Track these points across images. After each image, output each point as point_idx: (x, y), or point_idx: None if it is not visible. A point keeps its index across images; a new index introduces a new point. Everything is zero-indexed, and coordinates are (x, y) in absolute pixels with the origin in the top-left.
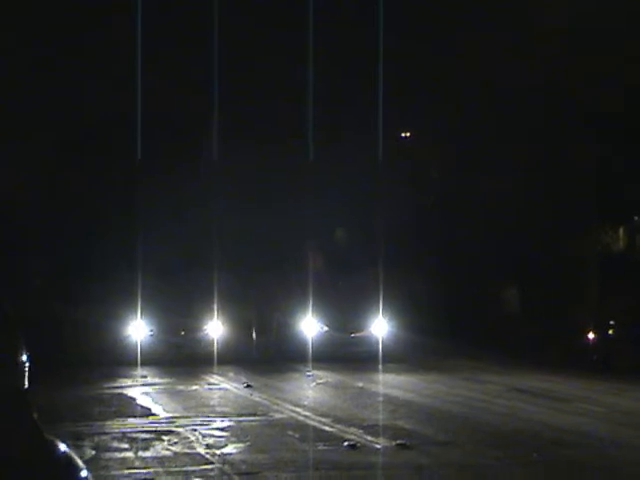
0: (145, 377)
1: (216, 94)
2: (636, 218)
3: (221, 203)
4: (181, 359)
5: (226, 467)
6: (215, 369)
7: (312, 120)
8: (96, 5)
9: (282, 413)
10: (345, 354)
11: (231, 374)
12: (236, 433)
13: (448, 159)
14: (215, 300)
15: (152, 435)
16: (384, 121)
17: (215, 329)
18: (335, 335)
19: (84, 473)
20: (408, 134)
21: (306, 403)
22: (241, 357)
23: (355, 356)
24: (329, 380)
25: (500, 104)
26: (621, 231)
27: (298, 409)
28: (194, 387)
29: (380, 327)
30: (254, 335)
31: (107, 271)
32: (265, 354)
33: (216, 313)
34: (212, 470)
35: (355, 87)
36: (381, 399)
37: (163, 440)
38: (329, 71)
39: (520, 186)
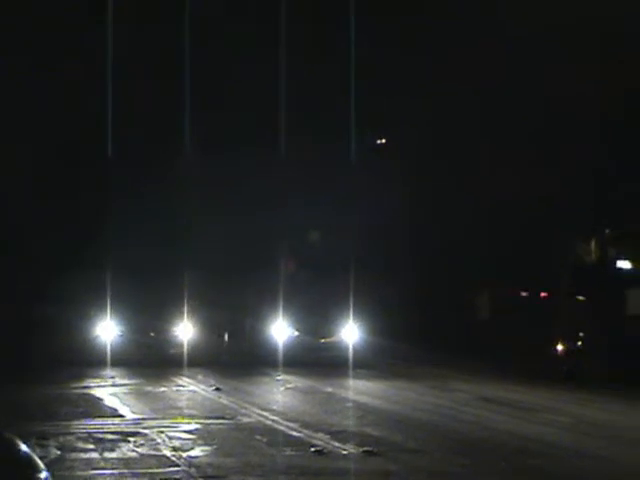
0: (113, 378)
1: (189, 93)
2: (607, 231)
3: (193, 204)
4: (150, 360)
5: (192, 470)
6: (184, 371)
7: (286, 119)
8: (69, 5)
9: (250, 417)
10: (315, 359)
11: (200, 376)
12: (203, 436)
13: (422, 165)
14: (185, 302)
15: (118, 436)
16: (359, 123)
17: (185, 331)
18: (306, 340)
19: (43, 475)
20: (383, 140)
21: (275, 407)
22: (211, 360)
23: (325, 361)
24: (298, 385)
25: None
26: (593, 243)
27: (266, 413)
28: (162, 389)
29: (351, 332)
30: (226, 338)
31: (78, 271)
32: (236, 357)
33: (186, 315)
34: (178, 472)
35: (331, 88)
36: (350, 405)
37: (129, 441)
38: (305, 70)
39: (493, 193)
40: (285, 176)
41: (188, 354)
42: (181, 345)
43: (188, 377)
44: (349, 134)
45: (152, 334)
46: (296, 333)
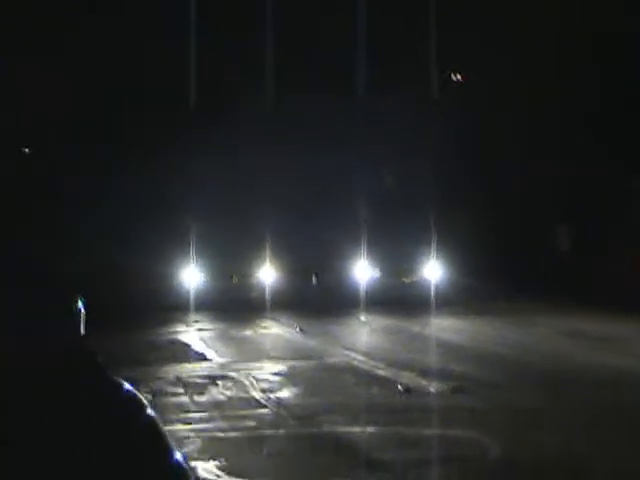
0: (198, 322)
1: (265, 39)
2: None
3: (270, 147)
4: (234, 305)
5: (281, 411)
6: (268, 314)
7: (360, 58)
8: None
9: (336, 357)
10: (398, 299)
11: (283, 319)
12: (290, 378)
13: (500, 100)
14: (267, 245)
15: (207, 380)
16: (436, 59)
17: (267, 274)
18: (388, 280)
19: (149, 411)
20: (459, 77)
21: (360, 347)
22: (293, 302)
23: (408, 301)
24: (382, 325)
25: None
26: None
27: (352, 353)
28: (247, 332)
29: (432, 271)
30: (314, 280)
31: (159, 217)
32: (323, 300)
33: (268, 258)
34: (267, 414)
35: (407, 24)
36: (433, 343)
37: (218, 385)
38: (379, 8)
39: (572, 127)
40: (362, 116)
41: (271, 297)
42: (264, 289)
43: (272, 320)
44: (427, 71)
45: (234, 279)
46: (378, 274)
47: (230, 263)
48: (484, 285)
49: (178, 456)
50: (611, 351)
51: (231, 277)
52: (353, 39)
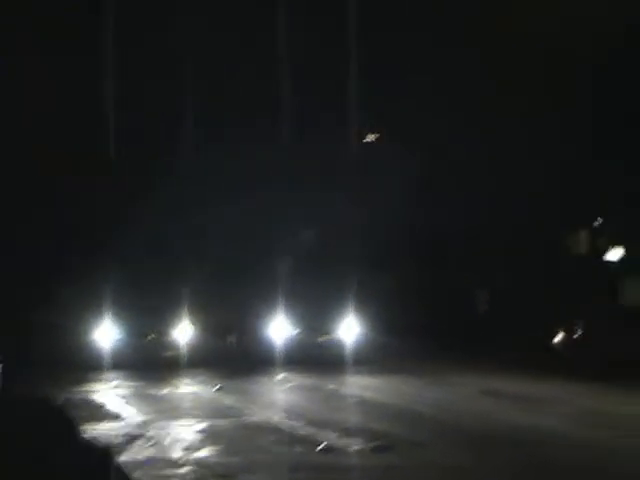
0: (115, 380)
1: (189, 86)
2: (596, 223)
3: (189, 201)
4: (150, 363)
5: (202, 470)
6: (185, 372)
7: (287, 111)
8: (66, 5)
9: (255, 416)
10: (316, 357)
11: (201, 377)
12: (210, 436)
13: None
14: (185, 303)
15: (125, 439)
16: (357, 116)
17: (184, 333)
18: (306, 338)
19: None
20: (377, 135)
21: (279, 405)
22: (210, 361)
23: (325, 359)
24: (300, 383)
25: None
26: (582, 235)
27: (271, 412)
28: (165, 391)
29: (351, 329)
30: (232, 339)
31: (75, 273)
32: (240, 358)
33: (185, 316)
34: (188, 473)
35: (330, 78)
36: (353, 401)
37: (136, 444)
38: (302, 59)
39: (488, 188)
40: (284, 168)
41: (188, 355)
42: (180, 347)
43: (189, 378)
44: (346, 129)
45: (151, 336)
46: (296, 331)
47: (147, 320)
48: (403, 343)
49: None
50: (530, 410)
51: (147, 335)
52: (275, 88)
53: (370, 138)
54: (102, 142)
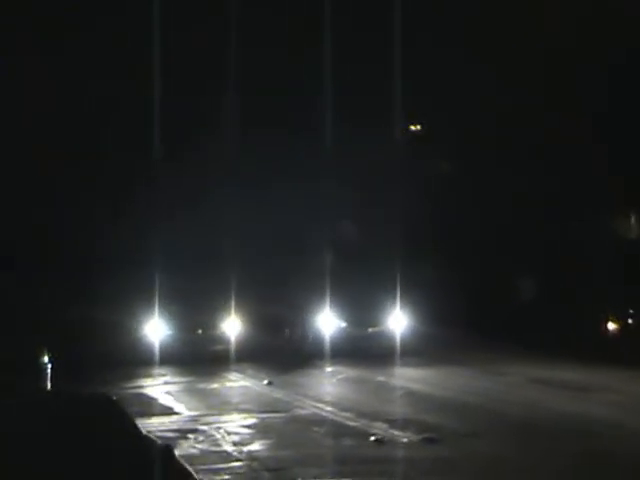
0: (165, 376)
1: (231, 85)
2: None
3: (237, 198)
4: (199, 358)
5: (254, 464)
6: (234, 367)
7: (328, 108)
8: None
9: (305, 409)
10: (364, 349)
11: (250, 371)
12: (261, 430)
13: (461, 148)
14: (232, 297)
15: (177, 434)
16: (400, 110)
17: (233, 327)
18: (353, 331)
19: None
20: (419, 127)
21: (328, 399)
22: (259, 355)
23: (374, 351)
24: (349, 375)
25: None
26: (633, 219)
27: (321, 405)
28: (214, 385)
29: (397, 321)
30: (286, 333)
31: (124, 270)
32: (299, 352)
33: (234, 311)
34: (241, 467)
35: (370, 76)
36: (402, 393)
37: (189, 438)
38: (345, 59)
39: (535, 173)
40: (327, 164)
41: (236, 350)
42: (229, 341)
43: (238, 372)
44: (388, 121)
45: (199, 331)
46: (343, 324)
47: (195, 315)
48: (449, 334)
49: None
50: (579, 399)
51: (196, 330)
52: (318, 90)
53: (413, 129)
54: (146, 141)
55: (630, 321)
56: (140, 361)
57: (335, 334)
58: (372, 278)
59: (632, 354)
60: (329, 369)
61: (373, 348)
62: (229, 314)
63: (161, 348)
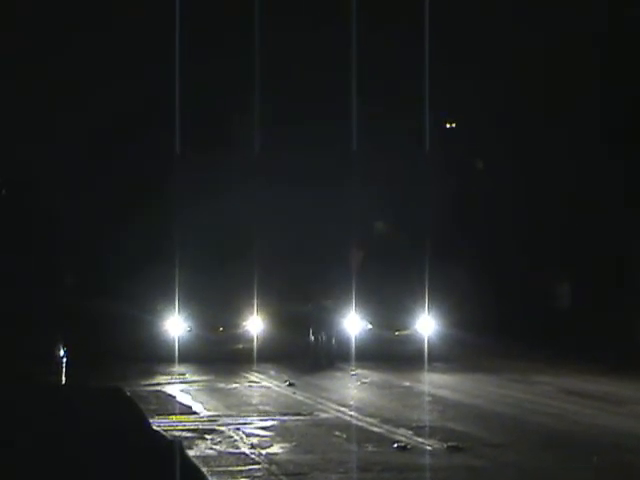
0: (184, 374)
1: (257, 82)
2: None
3: (261, 195)
4: (220, 356)
5: (273, 467)
6: (255, 367)
7: (356, 108)
8: None
9: (327, 412)
10: (390, 353)
11: (272, 372)
12: (281, 433)
13: (493, 149)
14: (255, 295)
15: (194, 434)
16: (430, 110)
17: (255, 325)
18: (380, 333)
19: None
20: (454, 125)
21: (351, 403)
22: (282, 355)
23: (400, 355)
24: (374, 379)
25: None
26: None
27: (343, 409)
28: (234, 385)
29: (426, 324)
30: (311, 336)
31: (144, 266)
32: (323, 353)
33: (256, 309)
34: (259, 470)
35: (401, 74)
36: (429, 399)
37: (206, 439)
38: (375, 58)
39: (569, 178)
40: (356, 165)
41: (258, 349)
42: (251, 340)
43: (260, 372)
44: (421, 120)
45: (221, 329)
46: (370, 326)
47: (217, 313)
48: (480, 340)
49: None
50: (611, 411)
51: (217, 327)
52: (345, 90)
53: (449, 125)
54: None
55: None
56: (159, 358)
57: (361, 336)
58: (400, 279)
59: None
60: (354, 372)
61: (400, 351)
62: (252, 313)
63: (181, 345)
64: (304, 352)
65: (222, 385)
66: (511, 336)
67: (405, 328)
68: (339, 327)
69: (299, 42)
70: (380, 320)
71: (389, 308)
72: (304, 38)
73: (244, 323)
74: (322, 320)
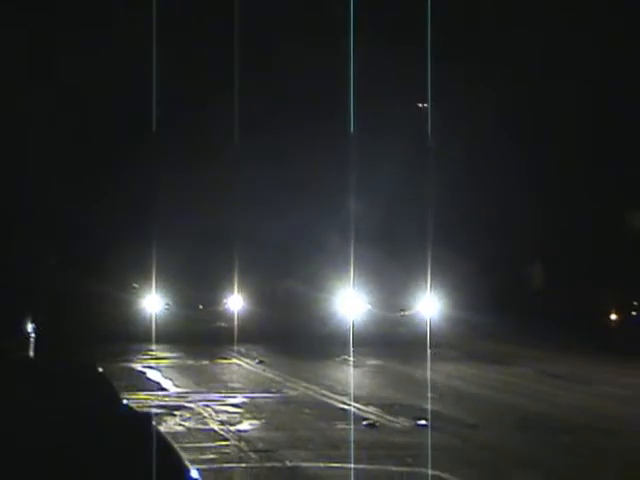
0: (155, 351)
1: (237, 69)
2: None
3: (248, 170)
4: (197, 334)
5: (242, 444)
6: (231, 345)
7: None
8: None
9: (296, 390)
10: (391, 335)
11: (243, 349)
12: (250, 410)
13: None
14: (236, 275)
15: (163, 410)
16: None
17: (235, 304)
18: (380, 314)
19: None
20: (425, 105)
21: (321, 381)
22: (262, 335)
23: (401, 338)
24: (352, 360)
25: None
26: None
27: (314, 386)
28: (205, 362)
29: (429, 305)
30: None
31: (121, 243)
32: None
33: (237, 288)
34: (227, 447)
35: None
36: (402, 378)
37: (175, 415)
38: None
39: (548, 163)
40: (354, 146)
41: (238, 328)
42: (230, 319)
43: (231, 350)
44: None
45: (200, 307)
46: (369, 307)
47: (196, 291)
48: (480, 320)
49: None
50: (584, 392)
51: (196, 305)
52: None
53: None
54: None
55: (634, 313)
56: (134, 336)
57: (360, 317)
58: (402, 259)
59: (632, 346)
60: (347, 357)
61: (401, 334)
62: (233, 290)
63: (158, 324)
64: (288, 330)
65: (192, 362)
66: (486, 317)
67: (408, 308)
68: (332, 306)
69: (283, 22)
70: (381, 300)
71: (391, 287)
72: (291, 22)
73: (225, 301)
74: (310, 298)
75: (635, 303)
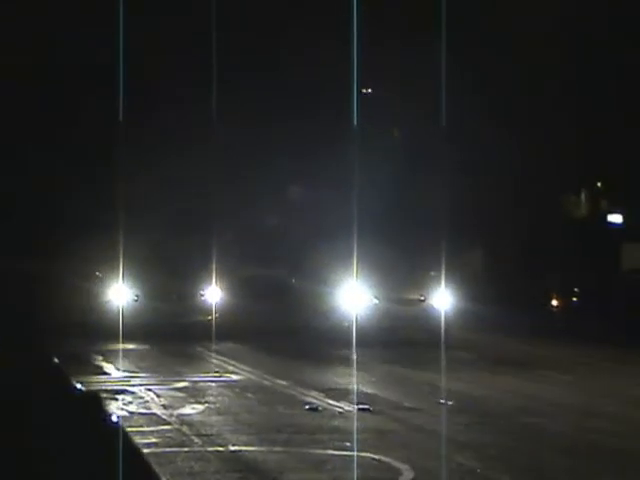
0: (114, 340)
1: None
2: (599, 184)
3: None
4: (169, 327)
5: (184, 428)
6: (213, 345)
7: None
8: None
9: (239, 375)
10: (399, 330)
11: (235, 353)
12: (193, 394)
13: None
14: (213, 265)
15: (105, 394)
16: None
17: (211, 296)
18: (387, 307)
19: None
20: (369, 90)
21: (265, 366)
22: (241, 328)
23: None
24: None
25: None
26: (583, 197)
27: (257, 371)
28: (147, 346)
29: (442, 297)
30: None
31: (92, 229)
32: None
33: (214, 279)
34: (170, 431)
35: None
36: (344, 362)
37: (117, 399)
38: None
39: (487, 149)
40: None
41: (217, 321)
42: (209, 311)
43: (218, 353)
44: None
45: (174, 298)
46: (375, 299)
47: (168, 281)
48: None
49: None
50: (524, 377)
51: (168, 297)
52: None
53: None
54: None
55: (574, 299)
56: (101, 328)
57: (363, 311)
58: (412, 248)
59: (570, 330)
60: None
61: (412, 329)
62: (211, 279)
63: (127, 315)
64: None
65: (133, 347)
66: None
67: (416, 302)
68: (331, 299)
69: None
70: (388, 292)
71: (399, 278)
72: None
73: (202, 291)
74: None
75: (576, 290)
